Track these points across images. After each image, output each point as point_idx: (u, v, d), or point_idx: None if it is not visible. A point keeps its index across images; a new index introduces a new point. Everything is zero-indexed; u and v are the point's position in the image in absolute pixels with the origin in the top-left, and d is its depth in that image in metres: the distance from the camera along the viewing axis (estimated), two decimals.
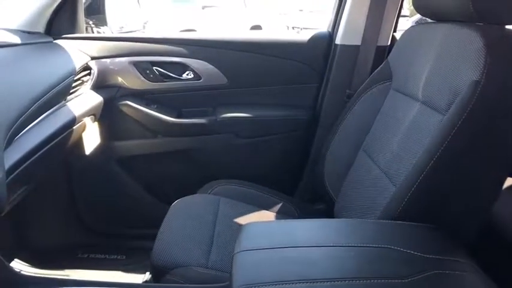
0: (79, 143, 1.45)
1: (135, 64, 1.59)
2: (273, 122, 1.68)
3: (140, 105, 1.61)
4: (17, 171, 1.05)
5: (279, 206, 1.46)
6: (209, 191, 1.43)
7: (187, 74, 1.61)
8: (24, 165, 1.09)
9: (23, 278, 1.06)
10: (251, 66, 1.64)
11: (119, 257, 1.77)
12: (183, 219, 1.24)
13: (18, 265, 1.63)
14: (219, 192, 1.43)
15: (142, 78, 1.60)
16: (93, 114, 1.51)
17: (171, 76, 1.61)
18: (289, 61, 1.64)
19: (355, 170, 1.26)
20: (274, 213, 1.40)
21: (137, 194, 1.75)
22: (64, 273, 1.64)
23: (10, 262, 1.60)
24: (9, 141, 1.04)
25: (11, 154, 1.05)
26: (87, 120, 1.46)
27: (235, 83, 1.64)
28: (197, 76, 1.61)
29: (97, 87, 1.56)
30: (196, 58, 1.59)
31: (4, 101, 1.04)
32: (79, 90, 1.47)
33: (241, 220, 1.31)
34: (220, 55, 1.62)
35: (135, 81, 1.60)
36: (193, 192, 1.44)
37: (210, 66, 1.60)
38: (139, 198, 1.75)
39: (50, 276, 1.57)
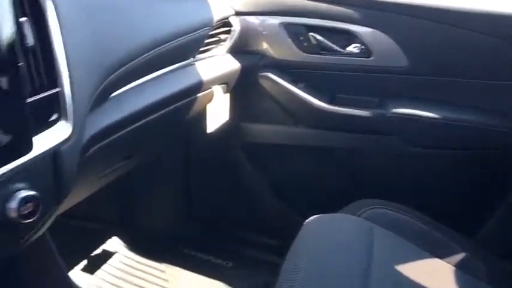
0: (201, 117, 1.13)
1: (287, 27, 1.21)
2: (466, 130, 1.17)
3: (285, 80, 1.24)
4: (111, 138, 0.76)
5: (456, 254, 0.99)
6: (358, 213, 1.01)
7: (353, 48, 1.18)
8: (124, 131, 0.80)
9: None
10: (446, 46, 1.13)
11: (224, 262, 1.52)
12: (326, 245, 0.88)
13: (117, 246, 1.43)
14: (372, 217, 1.01)
15: (293, 47, 1.21)
16: (226, 83, 1.18)
17: (331, 48, 1.19)
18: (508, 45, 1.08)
19: None
20: (451, 267, 0.94)
21: (260, 192, 1.43)
22: (161, 267, 1.42)
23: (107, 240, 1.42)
24: (105, 96, 0.74)
25: (107, 114, 0.76)
26: (217, 90, 1.14)
27: (419, 67, 1.15)
28: (367, 51, 1.16)
29: (236, 51, 1.23)
30: (370, 27, 1.15)
31: (109, 37, 0.74)
32: (213, 50, 1.16)
33: (406, 269, 0.89)
34: (404, 25, 1.14)
35: (283, 50, 1.23)
36: (333, 205, 1.05)
37: (388, 40, 1.14)
38: (261, 197, 1.43)
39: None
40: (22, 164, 0.51)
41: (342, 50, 1.19)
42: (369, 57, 1.16)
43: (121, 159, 0.93)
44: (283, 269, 0.80)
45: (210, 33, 1.09)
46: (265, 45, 1.25)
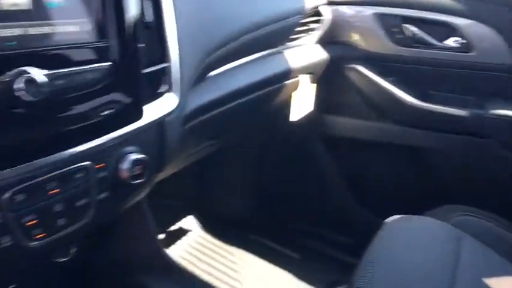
0: (285, 105, 1.13)
1: (381, 18, 1.16)
2: None
3: (374, 73, 1.19)
4: (204, 116, 0.78)
5: None
6: (446, 218, 0.94)
7: (452, 41, 1.10)
8: (216, 111, 0.82)
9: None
10: None
11: (292, 253, 1.49)
12: (408, 247, 0.83)
13: (193, 224, 1.47)
14: (461, 224, 0.94)
15: (386, 39, 1.16)
16: (312, 73, 1.17)
17: (427, 41, 1.13)
18: None
19: None
20: None
21: (336, 187, 1.39)
22: (231, 250, 1.43)
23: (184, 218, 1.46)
24: (203, 75, 0.77)
25: (203, 93, 0.78)
26: (303, 79, 1.13)
27: None
28: (467, 46, 1.08)
29: (324, 41, 1.21)
30: (472, 19, 1.07)
31: (211, 19, 0.76)
32: (302, 38, 1.15)
33: (494, 283, 0.80)
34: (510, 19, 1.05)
35: (374, 42, 1.18)
36: (414, 207, 0.98)
37: (492, 35, 1.05)
38: (337, 193, 1.39)
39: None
40: (134, 130, 0.54)
41: (439, 44, 1.12)
42: (468, 52, 1.08)
43: (208, 140, 0.95)
44: (359, 268, 0.77)
45: (301, 21, 1.08)
46: (355, 37, 1.21)
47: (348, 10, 1.21)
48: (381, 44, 1.17)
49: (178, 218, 1.49)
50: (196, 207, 1.52)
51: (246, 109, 0.93)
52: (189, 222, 1.50)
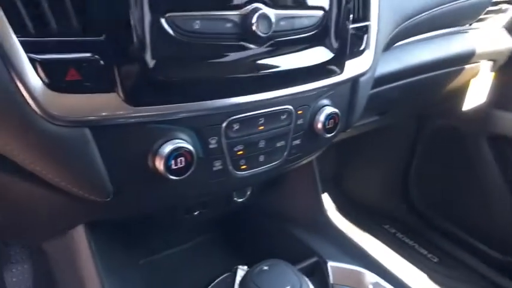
0: (460, 91, 1.03)
1: None
2: None
3: None
4: (383, 87, 0.75)
5: None
6: None
7: None
8: (395, 84, 0.79)
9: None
10: None
11: (430, 255, 1.37)
12: None
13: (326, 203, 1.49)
14: None
15: None
16: (494, 61, 1.05)
17: None
18: None
19: None
20: None
21: (498, 192, 1.23)
22: (363, 236, 1.38)
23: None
24: (391, 44, 0.74)
25: (388, 62, 0.76)
26: (484, 65, 1.02)
27: None
28: None
29: None
30: None
31: None
32: (489, 20, 1.03)
33: None
34: None
35: None
36: None
37: None
38: (499, 199, 1.23)
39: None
40: (334, 83, 0.55)
41: None
42: None
43: (375, 114, 0.93)
44: None
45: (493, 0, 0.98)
46: None
47: None
48: None
49: None
50: (332, 187, 1.51)
51: (423, 88, 0.88)
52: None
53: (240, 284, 0.47)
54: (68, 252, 0.55)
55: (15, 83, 0.35)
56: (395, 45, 0.80)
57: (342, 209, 1.49)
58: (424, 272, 1.28)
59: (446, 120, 1.22)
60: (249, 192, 0.71)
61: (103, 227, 0.56)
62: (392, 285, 0.65)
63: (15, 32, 0.34)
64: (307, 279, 0.48)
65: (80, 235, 0.53)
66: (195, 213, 0.67)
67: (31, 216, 0.50)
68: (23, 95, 0.36)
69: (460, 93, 1.04)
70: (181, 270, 0.76)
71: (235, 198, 0.70)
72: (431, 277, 1.26)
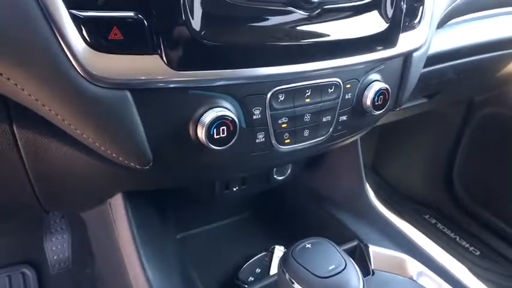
0: (504, 77, 0.96)
1: None
2: None
3: None
4: (437, 66, 0.71)
5: None
6: None
7: None
8: (447, 64, 0.74)
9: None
10: None
11: (471, 248, 1.30)
12: None
13: None
14: None
15: None
16: None
17: None
18: None
19: None
20: None
21: None
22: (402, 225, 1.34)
23: None
24: (444, 22, 0.69)
25: (441, 40, 0.71)
26: None
27: None
28: None
29: None
30: None
31: None
32: None
33: None
34: None
35: None
36: None
37: None
38: None
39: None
40: (386, 57, 0.51)
41: None
42: None
43: (424, 96, 0.88)
44: None
45: None
46: None
47: None
48: None
49: None
50: (371, 172, 1.46)
51: (477, 70, 0.82)
52: None
53: (281, 260, 0.45)
54: (105, 221, 0.55)
55: (57, 41, 0.34)
56: (451, 22, 0.75)
57: (380, 196, 1.45)
58: (465, 264, 1.23)
59: (498, 107, 1.15)
60: (289, 171, 0.69)
61: (142, 198, 0.56)
62: (437, 274, 0.61)
63: None
64: (351, 260, 0.45)
65: (118, 204, 0.53)
66: (234, 189, 0.66)
67: (71, 183, 0.50)
68: (65, 53, 0.35)
69: (505, 81, 0.97)
70: (218, 247, 0.75)
71: (275, 176, 0.68)
72: (472, 270, 1.21)
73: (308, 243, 0.44)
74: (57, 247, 0.97)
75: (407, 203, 1.43)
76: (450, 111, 1.26)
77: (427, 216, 1.40)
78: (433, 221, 1.39)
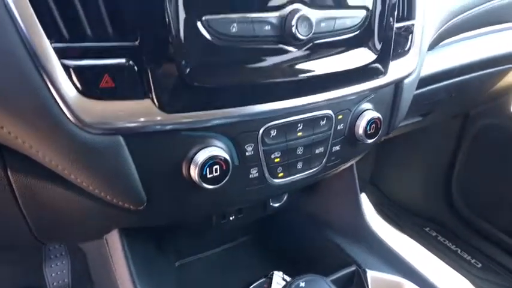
0: (497, 92, 0.96)
1: None
2: None
3: None
4: (430, 87, 0.71)
5: None
6: None
7: None
8: (440, 84, 0.74)
9: None
10: None
11: (473, 260, 1.30)
12: None
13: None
14: None
15: None
16: None
17: None
18: None
19: None
20: None
21: None
22: (403, 238, 1.34)
23: None
24: (435, 43, 0.70)
25: (432, 61, 0.71)
26: None
27: None
28: None
29: None
30: None
31: None
32: None
33: None
34: None
35: None
36: None
37: None
38: None
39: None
40: (377, 86, 0.51)
41: None
42: None
43: (418, 115, 0.88)
44: None
45: None
46: None
47: None
48: None
49: None
50: (370, 186, 1.46)
51: (470, 87, 0.83)
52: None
53: None
54: (102, 255, 0.55)
55: (49, 90, 0.35)
56: (441, 43, 0.76)
57: (380, 210, 1.44)
58: (467, 277, 1.23)
59: (494, 119, 1.15)
60: (285, 197, 0.69)
61: (138, 231, 0.56)
62: None
63: (49, 38, 0.34)
64: None
65: (114, 239, 0.53)
66: (231, 218, 0.66)
67: (67, 221, 0.50)
68: (56, 102, 0.35)
69: (510, 91, 0.97)
70: (216, 274, 0.75)
71: (271, 204, 0.68)
72: (474, 283, 1.20)
73: (302, 282, 0.45)
74: (56, 273, 0.97)
75: (407, 216, 1.42)
76: (447, 124, 1.27)
77: (427, 229, 1.40)
78: (434, 234, 1.39)
